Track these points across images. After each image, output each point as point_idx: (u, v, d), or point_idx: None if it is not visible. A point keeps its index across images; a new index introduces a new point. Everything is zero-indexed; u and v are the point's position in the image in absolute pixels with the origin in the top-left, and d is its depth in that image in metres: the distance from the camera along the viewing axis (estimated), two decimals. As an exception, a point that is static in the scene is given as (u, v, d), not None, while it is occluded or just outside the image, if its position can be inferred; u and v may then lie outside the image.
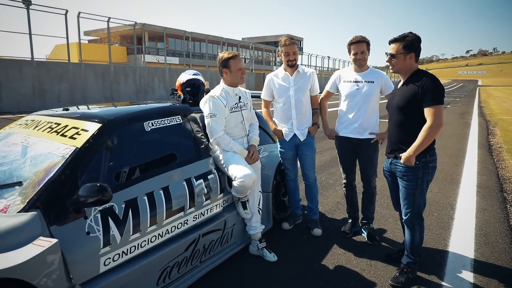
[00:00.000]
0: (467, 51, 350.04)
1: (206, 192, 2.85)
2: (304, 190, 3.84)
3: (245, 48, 40.46)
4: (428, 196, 2.97)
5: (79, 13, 16.74)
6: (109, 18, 18.56)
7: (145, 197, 2.40)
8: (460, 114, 17.29)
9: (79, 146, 2.24)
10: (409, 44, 2.63)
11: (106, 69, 18.52)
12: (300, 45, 56.18)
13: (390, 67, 2.75)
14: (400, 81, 2.88)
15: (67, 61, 16.56)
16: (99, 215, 2.11)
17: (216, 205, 3.00)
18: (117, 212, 2.22)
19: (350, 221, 3.76)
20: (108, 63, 18.77)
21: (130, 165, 2.56)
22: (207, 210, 2.89)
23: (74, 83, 16.75)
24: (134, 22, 21.34)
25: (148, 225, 2.38)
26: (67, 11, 16.03)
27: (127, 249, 2.25)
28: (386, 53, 2.74)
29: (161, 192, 2.51)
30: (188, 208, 2.69)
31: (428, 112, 2.54)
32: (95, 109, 2.95)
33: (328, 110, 3.79)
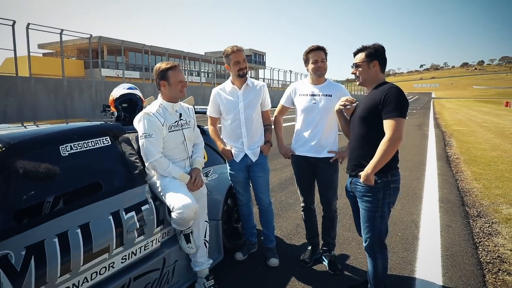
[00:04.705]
0: (421, 65, 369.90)
1: (138, 227, 2.40)
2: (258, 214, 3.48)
3: (207, 62, 40.14)
4: (392, 214, 2.70)
5: (28, 24, 15.74)
6: (62, 30, 17.60)
7: (56, 239, 1.94)
8: (418, 126, 17.77)
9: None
10: (372, 52, 2.47)
11: (58, 83, 17.44)
12: (263, 60, 56.57)
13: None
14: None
15: (15, 74, 15.45)
16: (-17, 270, 1.63)
17: (153, 241, 2.54)
18: (13, 262, 1.74)
19: (309, 248, 3.41)
20: (61, 77, 17.73)
21: (37, 200, 2.09)
22: (141, 248, 2.43)
23: (23, 98, 15.59)
24: (89, 35, 20.42)
25: (59, 275, 1.91)
26: (14, 21, 14.95)
27: (25, 311, 1.77)
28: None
29: (78, 231, 2.05)
30: (114, 248, 2.22)
31: (387, 125, 2.30)
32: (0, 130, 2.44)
33: (284, 124, 3.47)
